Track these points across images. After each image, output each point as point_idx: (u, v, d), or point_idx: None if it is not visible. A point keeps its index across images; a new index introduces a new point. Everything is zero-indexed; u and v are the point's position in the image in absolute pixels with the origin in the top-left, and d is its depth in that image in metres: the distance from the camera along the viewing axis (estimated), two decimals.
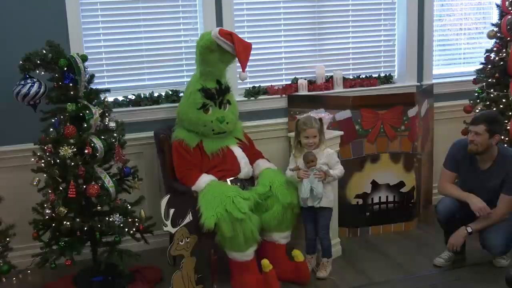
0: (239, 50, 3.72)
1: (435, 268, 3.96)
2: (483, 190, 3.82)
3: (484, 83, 4.62)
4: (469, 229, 3.80)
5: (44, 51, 3.43)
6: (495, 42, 4.59)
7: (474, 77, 4.78)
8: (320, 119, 3.83)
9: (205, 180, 3.73)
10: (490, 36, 4.60)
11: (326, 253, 3.90)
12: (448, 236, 3.93)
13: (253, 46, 3.90)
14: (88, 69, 3.54)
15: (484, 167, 3.85)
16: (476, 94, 4.67)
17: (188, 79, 4.13)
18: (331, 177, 3.77)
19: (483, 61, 4.66)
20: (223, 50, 3.76)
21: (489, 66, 4.58)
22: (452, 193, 3.93)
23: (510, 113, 4.39)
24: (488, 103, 4.53)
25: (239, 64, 3.82)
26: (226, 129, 3.96)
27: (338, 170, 3.82)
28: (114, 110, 3.97)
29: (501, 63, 4.49)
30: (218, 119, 3.89)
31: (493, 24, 4.63)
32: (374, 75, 4.97)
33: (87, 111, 3.44)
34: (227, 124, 3.95)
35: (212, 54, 3.78)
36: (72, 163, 3.37)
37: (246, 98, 4.55)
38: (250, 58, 3.86)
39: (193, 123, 3.90)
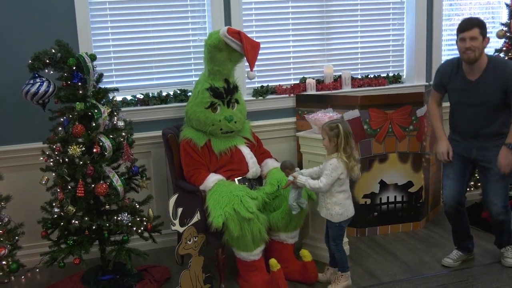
0: (247, 48, 3.71)
1: (443, 268, 3.94)
2: (475, 103, 3.66)
3: None
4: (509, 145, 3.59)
5: (53, 51, 3.44)
6: (505, 42, 4.58)
7: None
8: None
9: (213, 179, 3.73)
10: (499, 36, 4.59)
11: (338, 265, 3.70)
12: (455, 235, 3.93)
13: (261, 46, 3.89)
14: (96, 68, 3.55)
15: (474, 78, 3.65)
16: None
17: (196, 79, 4.13)
18: (300, 183, 3.53)
19: None
20: (231, 49, 3.76)
21: None
22: (432, 118, 3.90)
23: None
24: None
25: (247, 63, 3.82)
26: (234, 128, 3.96)
27: (315, 181, 3.48)
28: (122, 109, 3.98)
29: None
30: (226, 118, 3.89)
31: (502, 24, 4.62)
32: (382, 75, 4.96)
33: (96, 110, 3.44)
34: (235, 123, 3.94)
35: (220, 53, 3.78)
36: (81, 162, 3.38)
37: (254, 98, 4.55)
38: (259, 57, 3.86)
39: (201, 122, 3.89)
